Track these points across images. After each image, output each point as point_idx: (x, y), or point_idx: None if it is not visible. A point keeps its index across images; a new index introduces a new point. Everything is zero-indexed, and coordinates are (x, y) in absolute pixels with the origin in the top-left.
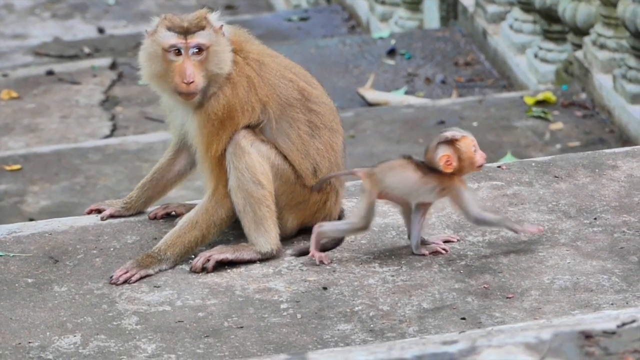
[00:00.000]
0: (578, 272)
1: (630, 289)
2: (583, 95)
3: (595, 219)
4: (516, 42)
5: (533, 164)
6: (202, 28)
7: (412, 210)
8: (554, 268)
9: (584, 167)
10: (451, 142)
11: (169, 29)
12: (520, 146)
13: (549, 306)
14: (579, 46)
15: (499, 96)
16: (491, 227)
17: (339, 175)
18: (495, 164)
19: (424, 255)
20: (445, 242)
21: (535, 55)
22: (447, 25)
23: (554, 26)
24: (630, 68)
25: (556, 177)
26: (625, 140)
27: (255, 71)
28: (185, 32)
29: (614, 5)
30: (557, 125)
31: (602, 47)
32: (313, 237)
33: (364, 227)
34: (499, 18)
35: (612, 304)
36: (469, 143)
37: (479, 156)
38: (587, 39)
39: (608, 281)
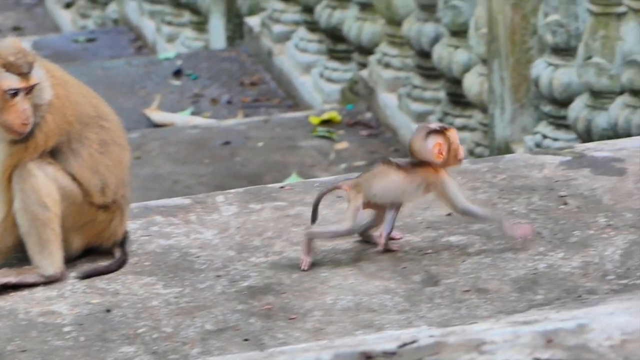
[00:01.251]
0: (361, 293)
1: (413, 309)
2: (368, 115)
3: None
4: (302, 62)
5: (316, 184)
6: (33, 65)
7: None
8: (336, 288)
9: None
10: (441, 131)
11: (7, 69)
12: (305, 166)
13: (332, 327)
14: (364, 65)
15: (284, 116)
16: (478, 220)
17: (327, 192)
18: (278, 185)
19: (395, 250)
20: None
21: (321, 75)
22: (233, 46)
23: (339, 45)
24: (415, 87)
25: (339, 197)
26: None
27: (64, 91)
28: (25, 74)
29: (399, 24)
30: (342, 145)
31: (387, 66)
32: (304, 242)
33: (350, 231)
34: (285, 38)
35: (394, 324)
36: (455, 134)
37: (461, 149)
38: (372, 58)
39: (391, 301)
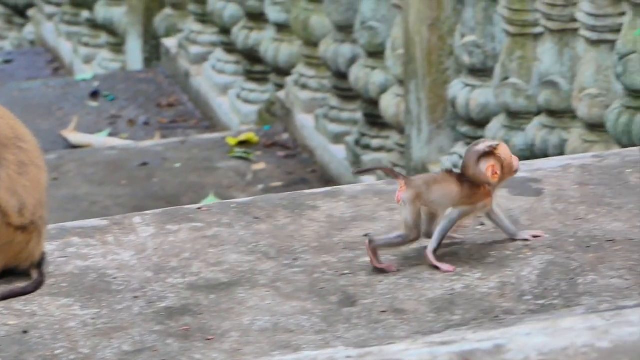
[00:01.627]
0: (278, 313)
1: (330, 329)
2: (285, 136)
3: (295, 259)
4: (219, 83)
5: (233, 205)
6: None
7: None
8: (254, 309)
9: (284, 207)
10: (490, 152)
11: None
12: (222, 187)
13: (249, 347)
14: (281, 86)
15: (201, 137)
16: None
17: (382, 169)
18: (195, 206)
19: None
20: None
21: (238, 96)
22: (151, 67)
23: (257, 67)
24: (332, 108)
25: (256, 218)
26: (327, 180)
27: None
28: None
29: (316, 46)
30: (260, 166)
31: (304, 87)
32: (370, 254)
33: (417, 237)
34: (202, 59)
35: (311, 345)
36: (506, 148)
37: (515, 160)
38: (289, 79)
39: (308, 322)
